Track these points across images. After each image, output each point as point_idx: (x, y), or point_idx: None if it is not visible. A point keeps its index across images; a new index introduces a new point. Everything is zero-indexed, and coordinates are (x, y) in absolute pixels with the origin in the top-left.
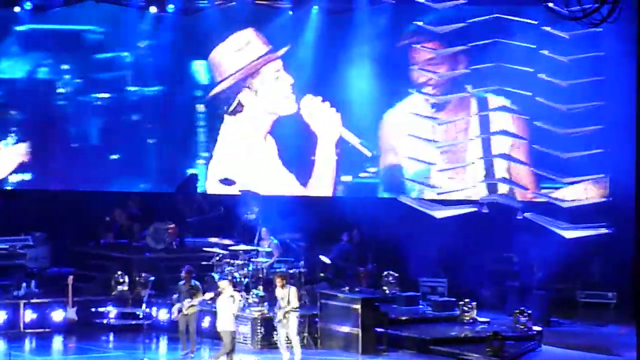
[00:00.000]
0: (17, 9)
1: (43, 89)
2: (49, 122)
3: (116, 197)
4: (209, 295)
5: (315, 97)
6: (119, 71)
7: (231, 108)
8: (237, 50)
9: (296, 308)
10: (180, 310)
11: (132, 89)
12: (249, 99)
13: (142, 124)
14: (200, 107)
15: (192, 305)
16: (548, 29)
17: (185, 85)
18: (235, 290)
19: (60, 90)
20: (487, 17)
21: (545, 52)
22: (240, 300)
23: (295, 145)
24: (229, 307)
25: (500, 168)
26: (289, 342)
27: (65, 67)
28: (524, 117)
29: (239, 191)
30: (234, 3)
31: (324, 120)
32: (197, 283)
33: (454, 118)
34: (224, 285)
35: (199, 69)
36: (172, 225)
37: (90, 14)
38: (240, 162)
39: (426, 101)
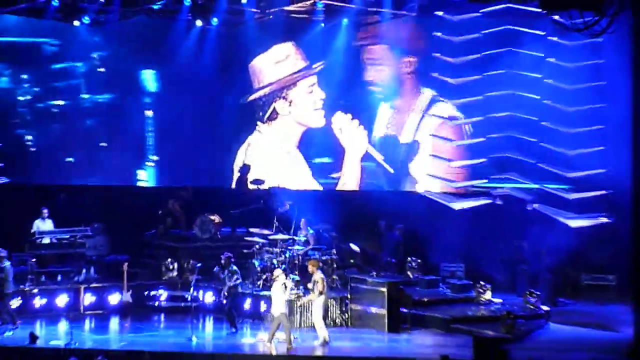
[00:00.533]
0: None
1: None
2: None
3: (165, 191)
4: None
5: (346, 114)
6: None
7: (266, 115)
8: (277, 62)
9: (320, 294)
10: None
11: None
12: (283, 109)
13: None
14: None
15: (231, 286)
16: (554, 39)
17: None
18: (287, 278)
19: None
20: (499, 28)
21: (552, 59)
22: (292, 288)
23: (323, 155)
24: (281, 293)
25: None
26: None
27: None
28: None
29: (269, 188)
30: (271, 17)
31: (352, 136)
32: (235, 267)
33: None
34: (278, 273)
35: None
36: (217, 217)
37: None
38: (272, 165)
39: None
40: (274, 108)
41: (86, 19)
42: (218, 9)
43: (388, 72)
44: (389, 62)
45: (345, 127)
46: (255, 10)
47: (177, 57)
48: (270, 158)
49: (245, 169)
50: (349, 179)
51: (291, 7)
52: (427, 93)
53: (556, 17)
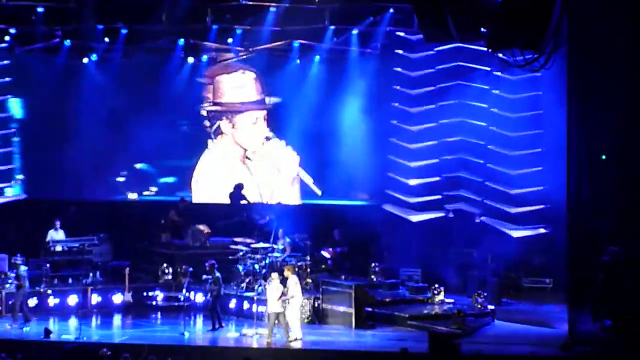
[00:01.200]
0: None
1: None
2: None
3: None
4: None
5: (280, 140)
6: None
7: (213, 128)
8: (233, 87)
9: (292, 297)
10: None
11: None
12: (226, 128)
13: None
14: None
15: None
16: (498, 73)
17: None
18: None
19: None
20: (451, 64)
21: (496, 91)
22: (284, 291)
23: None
24: (276, 294)
25: None
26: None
27: None
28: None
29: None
30: (254, 54)
31: (286, 160)
32: (218, 274)
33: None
34: (274, 276)
35: None
36: (205, 227)
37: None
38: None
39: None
40: (219, 125)
41: (94, 57)
42: (208, 47)
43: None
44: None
45: (278, 153)
46: (239, 48)
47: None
48: (216, 173)
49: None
50: (286, 196)
51: (270, 45)
52: None
53: (500, 55)
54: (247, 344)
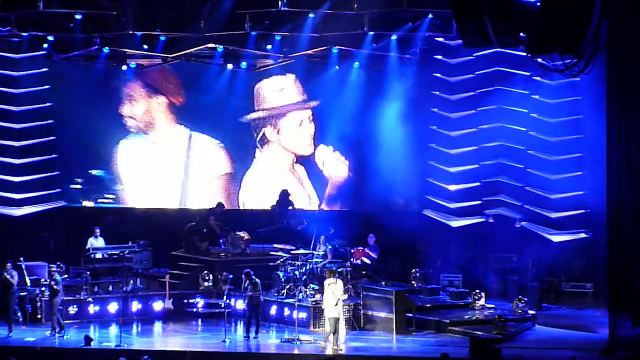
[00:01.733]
0: None
1: None
2: None
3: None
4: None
5: (327, 147)
6: None
7: (258, 138)
8: (274, 90)
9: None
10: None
11: None
12: (272, 135)
13: None
14: None
15: (253, 297)
16: (538, 79)
17: None
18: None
19: None
20: (490, 70)
21: (536, 96)
22: (340, 293)
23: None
24: (333, 299)
25: None
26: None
27: None
28: (520, 148)
29: (291, 208)
30: (293, 61)
31: (334, 167)
32: (257, 280)
33: None
34: (331, 281)
35: None
36: (245, 234)
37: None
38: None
39: None
40: (264, 133)
41: (133, 64)
42: (246, 54)
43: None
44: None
45: (327, 159)
46: (278, 55)
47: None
48: (265, 182)
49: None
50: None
51: (310, 52)
52: None
53: (540, 60)
54: (306, 351)
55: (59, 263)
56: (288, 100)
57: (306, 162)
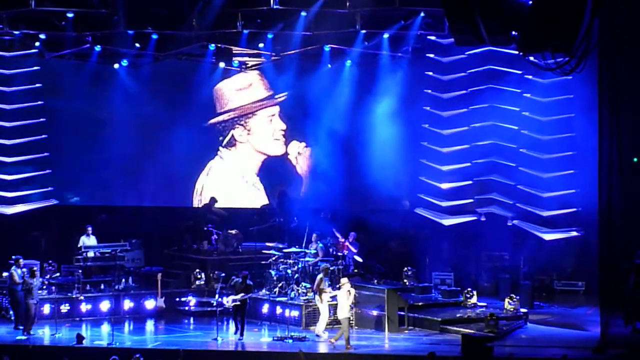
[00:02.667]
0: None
1: None
2: None
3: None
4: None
5: (300, 143)
6: None
7: (225, 141)
8: (239, 89)
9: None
10: (235, 301)
11: None
12: (241, 136)
13: None
14: None
15: (244, 299)
16: (530, 77)
17: None
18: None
19: None
20: (482, 68)
21: (528, 95)
22: (355, 295)
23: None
24: (347, 299)
25: None
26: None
27: None
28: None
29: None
30: (284, 59)
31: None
32: (251, 282)
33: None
34: (344, 281)
35: None
36: (237, 232)
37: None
38: (229, 190)
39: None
40: (232, 135)
41: (124, 62)
42: (238, 53)
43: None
44: None
45: (299, 155)
46: (270, 53)
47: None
48: (228, 183)
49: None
50: None
51: (301, 50)
52: None
53: (531, 58)
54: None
55: (50, 261)
56: (255, 97)
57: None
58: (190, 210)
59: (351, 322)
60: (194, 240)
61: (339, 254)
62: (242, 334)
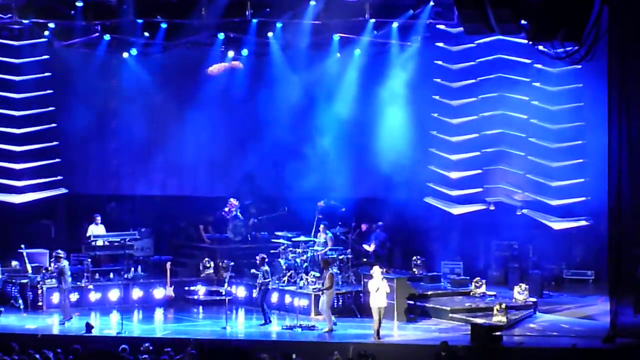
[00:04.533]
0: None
1: None
2: None
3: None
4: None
5: None
6: None
7: None
8: None
9: (327, 289)
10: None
11: None
12: None
13: None
14: None
15: (266, 282)
16: (539, 66)
17: None
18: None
19: None
20: (491, 57)
21: (537, 84)
22: (388, 285)
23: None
24: (382, 288)
25: None
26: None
27: None
28: (521, 135)
29: None
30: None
31: None
32: (267, 267)
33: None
34: (376, 270)
35: None
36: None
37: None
38: None
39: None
40: None
41: (134, 51)
42: (248, 42)
43: None
44: None
45: None
46: (280, 42)
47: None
48: None
49: None
50: None
51: (311, 39)
52: None
53: (541, 47)
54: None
55: (59, 250)
56: None
57: None
58: (200, 200)
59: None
60: (205, 229)
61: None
62: (268, 320)
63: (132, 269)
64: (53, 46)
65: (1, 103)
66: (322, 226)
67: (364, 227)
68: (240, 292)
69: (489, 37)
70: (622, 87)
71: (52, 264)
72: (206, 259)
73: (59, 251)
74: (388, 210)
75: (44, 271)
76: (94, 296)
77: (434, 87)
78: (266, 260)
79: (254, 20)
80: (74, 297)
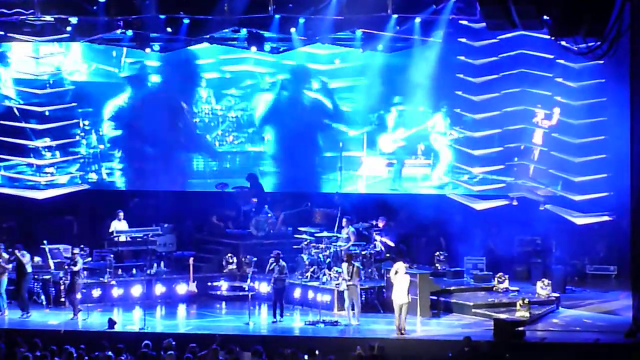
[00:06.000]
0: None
1: None
2: None
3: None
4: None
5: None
6: None
7: None
8: None
9: (354, 283)
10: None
11: None
12: None
13: None
14: None
15: (282, 279)
16: (561, 61)
17: None
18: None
19: None
20: (513, 52)
21: (559, 79)
22: (410, 280)
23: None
24: (404, 283)
25: None
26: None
27: None
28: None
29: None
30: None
31: None
32: (284, 263)
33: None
34: (400, 266)
35: None
36: (272, 216)
37: None
38: None
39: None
40: None
41: (156, 46)
42: (270, 37)
43: None
44: None
45: None
46: (303, 37)
47: None
48: None
49: None
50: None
51: (333, 35)
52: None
53: (563, 43)
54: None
55: (82, 246)
56: None
57: None
58: (222, 194)
59: (401, 308)
60: (220, 220)
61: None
62: (282, 315)
63: (155, 264)
64: (76, 41)
65: (23, 100)
66: (344, 221)
67: (381, 223)
68: (263, 287)
69: (512, 33)
70: None
71: (65, 265)
72: (229, 254)
73: (75, 249)
74: (411, 206)
75: (66, 267)
76: (116, 292)
77: (457, 83)
78: (281, 256)
79: (277, 16)
80: (96, 292)
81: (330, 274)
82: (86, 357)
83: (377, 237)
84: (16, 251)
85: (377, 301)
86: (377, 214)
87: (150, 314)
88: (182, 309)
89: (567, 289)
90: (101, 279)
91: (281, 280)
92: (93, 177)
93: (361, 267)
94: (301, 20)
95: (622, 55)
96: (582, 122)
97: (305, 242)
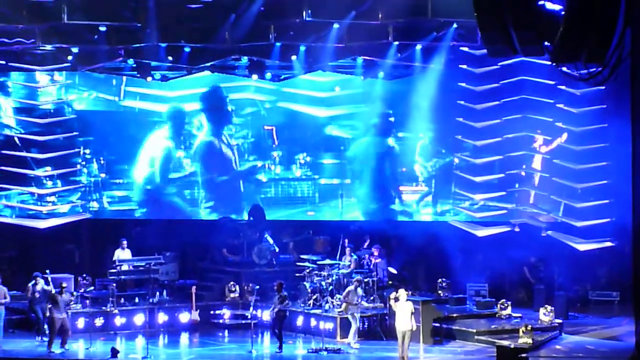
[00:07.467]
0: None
1: None
2: None
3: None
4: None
5: None
6: None
7: None
8: None
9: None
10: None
11: None
12: None
13: None
14: None
15: (284, 310)
16: (563, 87)
17: None
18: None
19: None
20: (515, 79)
21: (561, 105)
22: (414, 307)
23: None
24: (407, 310)
25: None
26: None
27: None
28: (546, 156)
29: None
30: (317, 71)
31: None
32: (286, 293)
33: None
34: (402, 293)
35: None
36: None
37: None
38: None
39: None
40: None
41: (157, 75)
42: (271, 65)
43: None
44: None
45: None
46: (303, 65)
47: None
48: None
49: None
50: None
51: (334, 62)
52: None
53: (564, 69)
54: None
55: (84, 275)
56: None
57: None
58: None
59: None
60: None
61: (372, 266)
62: (280, 347)
63: (158, 293)
64: (77, 70)
65: (25, 128)
66: (348, 249)
67: (376, 251)
68: (266, 315)
69: (513, 59)
70: None
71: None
72: (231, 282)
73: (63, 283)
74: (413, 232)
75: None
76: (119, 320)
77: (458, 109)
78: (284, 286)
79: (278, 44)
80: (99, 321)
81: (332, 302)
82: None
83: (373, 261)
84: (38, 278)
85: (379, 329)
86: (377, 241)
87: (153, 342)
88: (184, 337)
89: (569, 315)
90: (104, 307)
91: (283, 310)
92: (94, 205)
93: (363, 294)
94: (302, 48)
95: (624, 81)
96: (583, 148)
97: (308, 270)
